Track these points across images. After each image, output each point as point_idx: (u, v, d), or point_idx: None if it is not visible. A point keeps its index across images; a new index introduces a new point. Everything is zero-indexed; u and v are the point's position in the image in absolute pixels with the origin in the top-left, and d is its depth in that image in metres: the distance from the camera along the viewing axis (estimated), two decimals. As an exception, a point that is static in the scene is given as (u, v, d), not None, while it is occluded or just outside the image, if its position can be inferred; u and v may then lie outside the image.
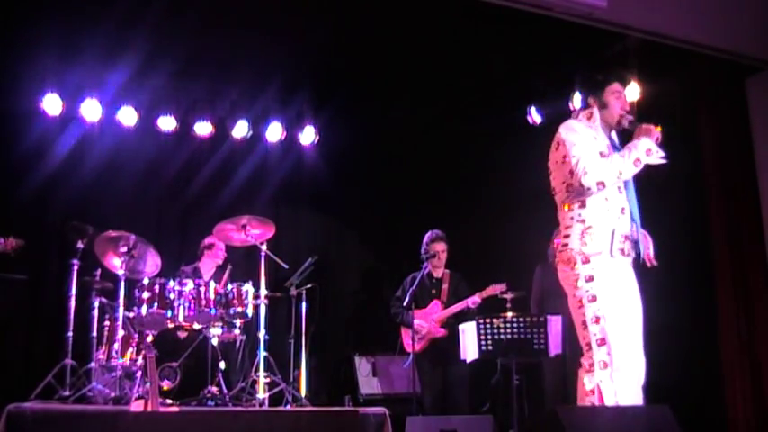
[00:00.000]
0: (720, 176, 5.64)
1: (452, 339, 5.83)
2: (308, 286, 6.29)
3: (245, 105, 7.40)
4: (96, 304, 5.60)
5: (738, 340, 5.37)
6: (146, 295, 5.45)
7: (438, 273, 6.20)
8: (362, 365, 6.97)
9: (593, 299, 3.31)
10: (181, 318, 5.44)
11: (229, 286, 5.71)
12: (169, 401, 4.87)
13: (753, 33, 5.28)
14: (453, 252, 6.26)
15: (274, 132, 7.53)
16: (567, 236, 3.43)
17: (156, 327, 5.41)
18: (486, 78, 6.87)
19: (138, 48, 6.30)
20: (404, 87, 7.25)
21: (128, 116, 6.97)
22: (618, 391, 3.22)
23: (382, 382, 6.90)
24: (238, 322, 5.77)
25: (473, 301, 5.87)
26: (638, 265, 3.51)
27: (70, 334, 5.42)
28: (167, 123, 7.10)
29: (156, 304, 5.43)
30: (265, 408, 5.22)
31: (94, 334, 5.53)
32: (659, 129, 3.46)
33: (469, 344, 5.44)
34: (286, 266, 6.12)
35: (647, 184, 3.61)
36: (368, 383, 6.88)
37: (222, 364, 5.26)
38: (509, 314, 5.23)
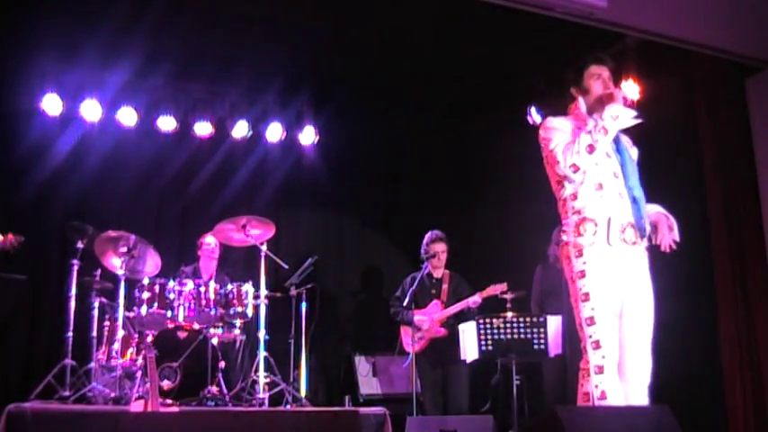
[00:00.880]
0: (720, 176, 5.63)
1: (452, 339, 5.82)
2: (308, 286, 6.29)
3: (245, 105, 7.39)
4: (96, 304, 5.60)
5: (738, 340, 5.36)
6: (146, 295, 5.45)
7: (438, 273, 6.20)
8: (362, 365, 6.97)
9: (586, 297, 3.22)
10: (181, 318, 5.45)
11: (229, 286, 5.71)
12: (169, 401, 4.86)
13: (753, 33, 5.28)
14: (453, 252, 6.26)
15: (274, 132, 7.53)
16: (564, 231, 3.38)
17: (156, 327, 5.42)
18: (487, 78, 6.87)
19: (138, 48, 6.31)
20: (404, 87, 7.25)
21: (128, 116, 6.96)
22: (615, 396, 3.16)
23: (382, 382, 6.90)
24: (238, 322, 5.78)
25: (473, 300, 5.86)
26: (653, 251, 3.39)
27: (70, 334, 5.42)
28: (167, 123, 7.09)
29: (156, 304, 5.44)
30: (265, 408, 5.22)
31: (94, 334, 5.53)
32: (621, 90, 3.39)
33: (469, 344, 5.44)
34: (286, 266, 6.12)
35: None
36: (368, 383, 6.88)
37: (222, 364, 5.26)
38: (509, 314, 5.24)
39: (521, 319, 5.11)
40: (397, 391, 6.78)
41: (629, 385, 3.23)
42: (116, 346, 5.31)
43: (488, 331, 5.15)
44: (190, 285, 5.56)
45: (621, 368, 3.24)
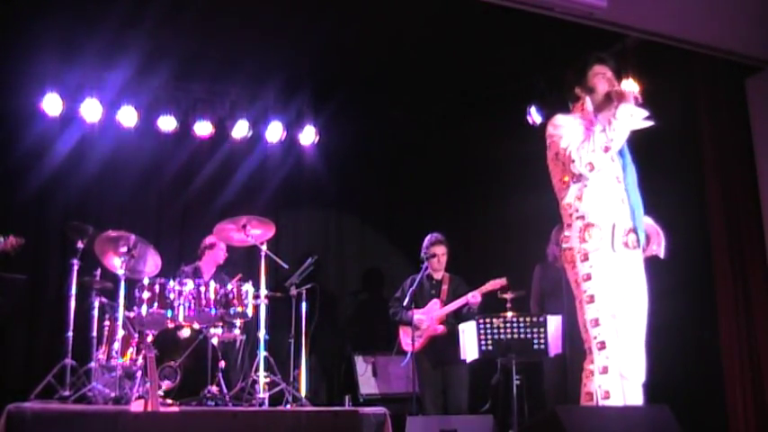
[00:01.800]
0: (720, 176, 5.64)
1: (452, 339, 5.82)
2: (308, 286, 6.29)
3: (245, 105, 7.39)
4: (96, 304, 5.60)
5: (738, 340, 5.36)
6: (146, 295, 5.45)
7: (438, 275, 6.20)
8: (362, 365, 6.96)
9: (591, 299, 3.25)
10: (181, 318, 5.45)
11: (229, 286, 5.71)
12: (169, 401, 4.86)
13: (753, 33, 5.28)
14: (453, 252, 6.26)
15: (274, 132, 7.52)
16: (567, 235, 3.38)
17: (156, 327, 5.41)
18: (487, 78, 6.87)
19: (138, 48, 6.31)
20: (404, 87, 7.26)
21: (128, 116, 6.96)
22: (617, 395, 3.17)
23: (382, 381, 6.90)
24: (238, 322, 5.77)
25: (473, 295, 5.85)
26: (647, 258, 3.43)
27: (70, 334, 5.42)
28: (167, 123, 7.09)
29: (156, 304, 5.44)
30: (265, 408, 5.22)
31: (94, 334, 5.53)
32: (631, 90, 3.38)
33: (469, 344, 5.44)
34: (286, 266, 6.12)
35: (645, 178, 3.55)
36: (368, 383, 6.88)
37: (222, 364, 5.26)
38: (509, 314, 5.24)
39: (521, 319, 5.12)
40: (396, 391, 6.78)
41: (626, 383, 3.25)
42: (116, 345, 5.30)
43: (488, 331, 5.15)
44: (190, 285, 5.56)
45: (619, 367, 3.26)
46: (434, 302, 6.08)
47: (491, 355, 5.23)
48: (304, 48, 6.50)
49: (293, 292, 6.22)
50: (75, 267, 5.52)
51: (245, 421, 4.35)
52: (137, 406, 4.27)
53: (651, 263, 3.48)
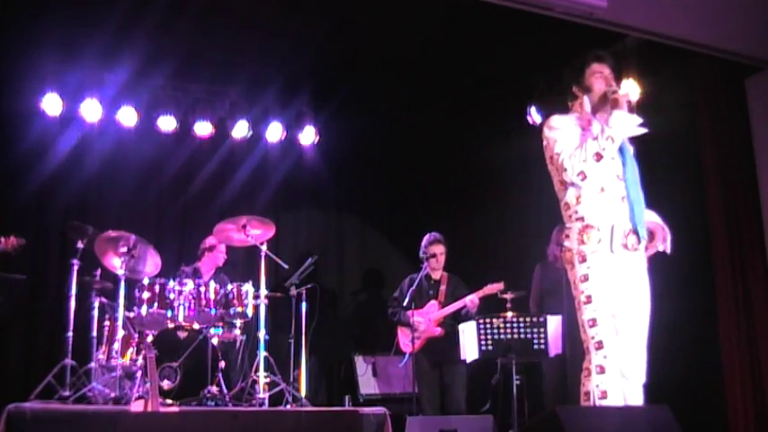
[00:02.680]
0: (720, 176, 5.64)
1: (450, 339, 5.83)
2: (308, 286, 6.29)
3: (245, 105, 7.39)
4: (96, 304, 5.60)
5: (738, 340, 5.36)
6: (146, 295, 5.45)
7: (436, 275, 6.20)
8: (362, 365, 6.96)
9: (589, 300, 3.24)
10: (181, 318, 5.44)
11: (229, 286, 5.71)
12: (169, 401, 4.86)
13: (753, 33, 5.28)
14: (452, 252, 6.26)
15: (274, 132, 7.53)
16: (567, 236, 3.37)
17: (156, 327, 5.41)
18: (487, 78, 6.87)
19: (138, 48, 6.31)
20: (404, 87, 7.26)
21: (128, 116, 6.96)
22: (616, 395, 3.17)
23: (382, 382, 6.90)
24: (238, 322, 5.77)
25: (471, 299, 5.86)
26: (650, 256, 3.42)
27: (70, 334, 5.41)
28: (167, 123, 7.09)
29: (156, 304, 5.44)
30: (265, 408, 5.22)
31: (94, 334, 5.53)
32: (626, 94, 3.37)
33: (469, 344, 5.44)
34: (286, 266, 6.11)
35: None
36: (367, 383, 6.87)
37: (222, 364, 5.26)
38: (509, 314, 5.24)
39: (521, 319, 5.12)
40: (396, 391, 6.78)
41: (627, 383, 3.25)
42: (116, 346, 5.30)
43: (488, 331, 5.15)
44: (190, 285, 5.55)
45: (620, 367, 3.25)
46: (432, 304, 6.08)
47: (491, 355, 5.23)
48: (304, 48, 6.50)
49: (293, 292, 6.21)
50: (75, 267, 5.51)
51: (245, 421, 4.35)
52: (137, 406, 4.27)
53: (651, 263, 3.47)
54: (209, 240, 6.36)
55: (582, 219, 3.33)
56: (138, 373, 4.92)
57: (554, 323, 5.25)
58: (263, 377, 5.36)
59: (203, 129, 7.25)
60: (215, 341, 5.44)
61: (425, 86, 7.23)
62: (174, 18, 5.88)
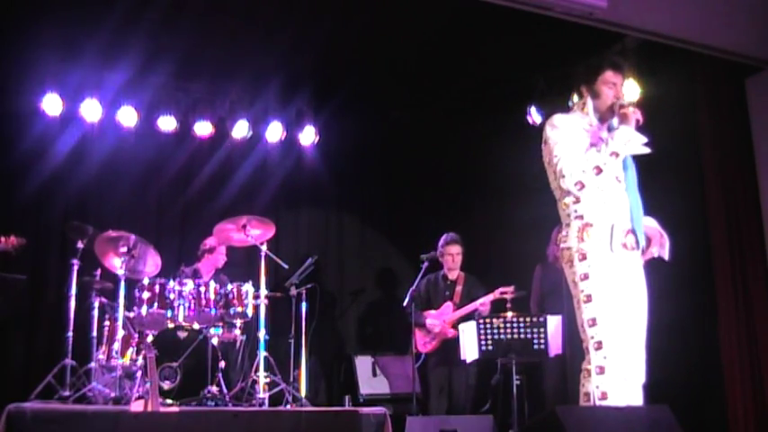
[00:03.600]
0: (720, 176, 5.64)
1: (459, 341, 5.83)
2: (308, 286, 6.29)
3: (245, 105, 7.39)
4: (96, 304, 5.60)
5: (738, 340, 5.36)
6: (146, 295, 5.45)
7: (453, 275, 6.23)
8: (362, 365, 6.96)
9: (589, 299, 3.23)
10: (181, 318, 5.44)
11: (229, 286, 5.71)
12: (169, 401, 4.86)
13: (753, 33, 5.28)
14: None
15: (274, 132, 7.52)
16: (565, 234, 3.36)
17: (156, 327, 5.41)
18: (487, 78, 6.87)
19: (138, 48, 6.31)
20: (404, 87, 7.26)
21: (128, 116, 6.96)
22: (615, 396, 3.16)
23: (382, 382, 6.90)
24: (238, 322, 5.77)
25: (482, 303, 5.89)
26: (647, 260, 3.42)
27: (70, 334, 5.41)
28: (167, 123, 7.09)
29: (156, 304, 5.44)
30: (265, 408, 5.22)
31: (94, 334, 5.53)
32: (636, 111, 3.31)
33: (469, 344, 5.44)
34: (286, 266, 6.11)
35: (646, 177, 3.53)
36: (368, 383, 6.88)
37: (222, 364, 5.26)
38: (509, 314, 5.24)
39: (521, 319, 5.12)
40: (396, 391, 6.78)
41: (626, 384, 3.24)
42: (116, 346, 5.30)
43: (488, 331, 5.16)
44: (190, 285, 5.55)
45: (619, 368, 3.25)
46: (447, 305, 6.11)
47: (491, 355, 5.23)
48: (304, 48, 6.50)
49: (293, 292, 6.22)
50: (75, 267, 5.51)
51: (245, 421, 4.34)
52: (137, 406, 4.27)
53: (651, 263, 3.47)
54: (209, 242, 6.36)
55: (581, 217, 3.32)
56: (138, 373, 4.91)
57: (554, 323, 5.25)
58: (263, 377, 5.36)
59: (203, 129, 7.24)
60: (215, 341, 5.43)
61: (425, 86, 7.23)
62: (173, 18, 5.88)
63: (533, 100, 6.67)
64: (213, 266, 6.46)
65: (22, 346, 6.47)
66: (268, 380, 5.42)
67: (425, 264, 6.10)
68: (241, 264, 6.80)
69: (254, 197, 7.43)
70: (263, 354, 5.46)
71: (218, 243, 6.25)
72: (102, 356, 5.41)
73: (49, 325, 6.37)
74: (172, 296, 5.47)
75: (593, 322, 3.23)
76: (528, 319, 5.10)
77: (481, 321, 5.21)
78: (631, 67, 5.72)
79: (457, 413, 5.76)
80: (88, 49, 6.31)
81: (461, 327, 5.70)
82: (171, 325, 5.40)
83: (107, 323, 5.55)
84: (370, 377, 6.91)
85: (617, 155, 3.26)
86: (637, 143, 3.30)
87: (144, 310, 5.41)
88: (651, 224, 3.48)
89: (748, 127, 5.73)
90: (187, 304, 5.49)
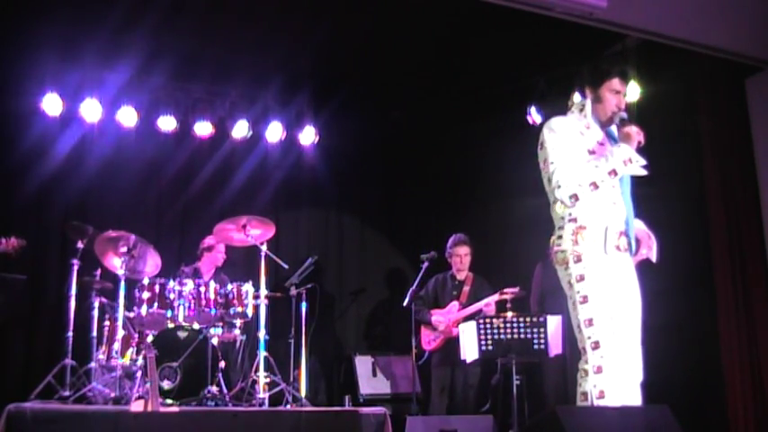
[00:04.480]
0: (720, 176, 5.64)
1: (462, 340, 5.85)
2: (308, 286, 6.29)
3: (245, 105, 7.39)
4: (96, 304, 5.60)
5: (738, 340, 5.36)
6: (146, 295, 5.45)
7: (461, 275, 6.25)
8: (362, 365, 6.96)
9: (585, 299, 3.24)
10: (181, 318, 5.45)
11: (229, 286, 5.71)
12: (169, 401, 4.87)
13: (753, 33, 5.28)
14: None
15: (274, 132, 7.52)
16: (559, 236, 3.36)
17: (156, 327, 5.42)
18: (487, 78, 6.87)
19: (138, 48, 6.31)
20: (404, 87, 7.26)
21: (128, 116, 6.95)
22: (613, 395, 3.17)
23: (382, 381, 6.90)
24: (238, 322, 5.78)
25: (486, 304, 5.90)
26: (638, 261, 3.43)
27: (70, 334, 5.42)
28: (167, 123, 7.08)
29: (156, 304, 5.44)
30: (265, 408, 5.22)
31: (94, 334, 5.53)
32: (640, 132, 3.29)
33: (469, 344, 5.44)
34: (286, 266, 6.12)
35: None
36: (368, 383, 6.88)
37: (222, 364, 5.26)
38: (509, 314, 5.24)
39: (521, 319, 5.12)
40: (396, 391, 6.79)
41: (624, 383, 3.24)
42: (116, 346, 5.31)
43: (488, 331, 5.16)
44: (190, 285, 5.56)
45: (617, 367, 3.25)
46: (453, 305, 6.12)
47: (491, 355, 5.23)
48: (304, 48, 6.50)
49: (293, 292, 6.22)
50: (75, 267, 5.52)
51: (245, 421, 4.35)
52: (137, 406, 4.27)
53: (651, 263, 3.48)
54: (208, 240, 6.36)
55: (575, 220, 3.32)
56: (138, 373, 4.91)
57: (554, 323, 5.25)
58: (263, 377, 5.37)
59: (203, 129, 7.24)
60: (215, 341, 5.44)
61: (425, 86, 7.23)
62: (173, 18, 5.88)
63: (533, 100, 6.67)
64: (213, 265, 6.46)
65: (22, 346, 6.47)
66: (268, 380, 5.43)
67: (425, 264, 6.11)
68: (241, 264, 6.81)
69: (254, 197, 7.43)
70: (262, 354, 5.46)
71: (217, 241, 6.25)
72: (102, 356, 5.42)
73: (49, 325, 6.37)
74: (172, 296, 5.48)
75: (591, 322, 3.23)
76: (528, 319, 5.10)
77: (481, 321, 5.22)
78: (631, 67, 5.73)
79: (457, 413, 5.76)
80: (88, 49, 6.31)
81: (461, 327, 5.70)
82: (171, 325, 5.40)
83: (107, 323, 5.56)
84: (370, 377, 6.91)
85: (615, 173, 3.25)
86: (636, 165, 3.27)
87: (144, 310, 5.42)
88: (639, 226, 3.48)
89: (748, 127, 5.73)
90: (187, 304, 5.49)
